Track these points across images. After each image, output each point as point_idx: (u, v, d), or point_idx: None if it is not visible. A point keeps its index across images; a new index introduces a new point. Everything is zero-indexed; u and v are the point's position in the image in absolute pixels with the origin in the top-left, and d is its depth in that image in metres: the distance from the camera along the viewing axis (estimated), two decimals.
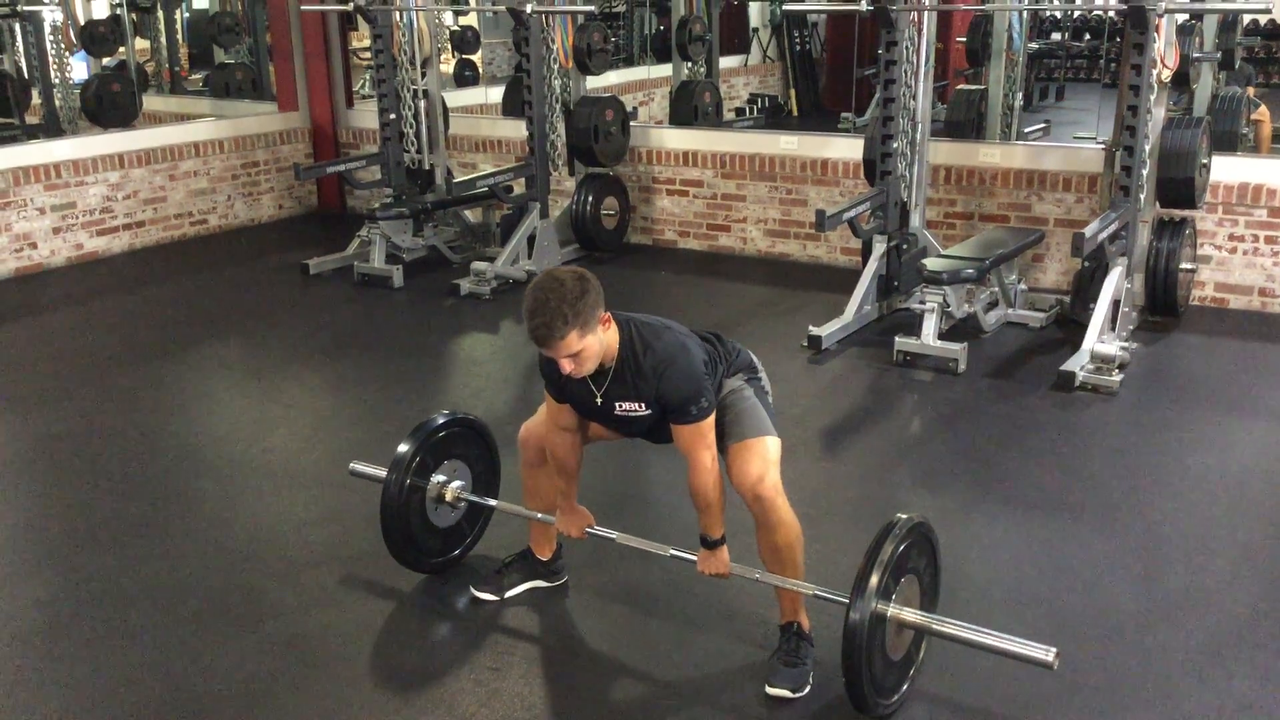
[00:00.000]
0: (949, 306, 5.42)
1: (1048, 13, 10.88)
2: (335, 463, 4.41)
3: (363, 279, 6.96)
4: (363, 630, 3.28)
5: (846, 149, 7.08)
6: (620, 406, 2.90)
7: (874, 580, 2.63)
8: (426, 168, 7.51)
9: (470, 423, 3.51)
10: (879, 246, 5.92)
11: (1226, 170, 5.94)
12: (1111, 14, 9.64)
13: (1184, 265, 5.67)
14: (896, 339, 5.37)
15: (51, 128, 8.34)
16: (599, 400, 2.91)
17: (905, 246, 5.96)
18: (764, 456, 2.90)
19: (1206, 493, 4.09)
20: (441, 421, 3.43)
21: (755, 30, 12.47)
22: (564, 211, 7.37)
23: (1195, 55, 5.99)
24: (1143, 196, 5.41)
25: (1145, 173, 5.39)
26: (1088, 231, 4.93)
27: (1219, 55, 7.58)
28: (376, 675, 3.09)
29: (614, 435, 3.12)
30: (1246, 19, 8.93)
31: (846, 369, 5.43)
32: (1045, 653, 2.59)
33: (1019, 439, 4.57)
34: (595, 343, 2.74)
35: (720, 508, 2.90)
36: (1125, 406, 4.85)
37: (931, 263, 5.36)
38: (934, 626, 2.76)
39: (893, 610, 2.68)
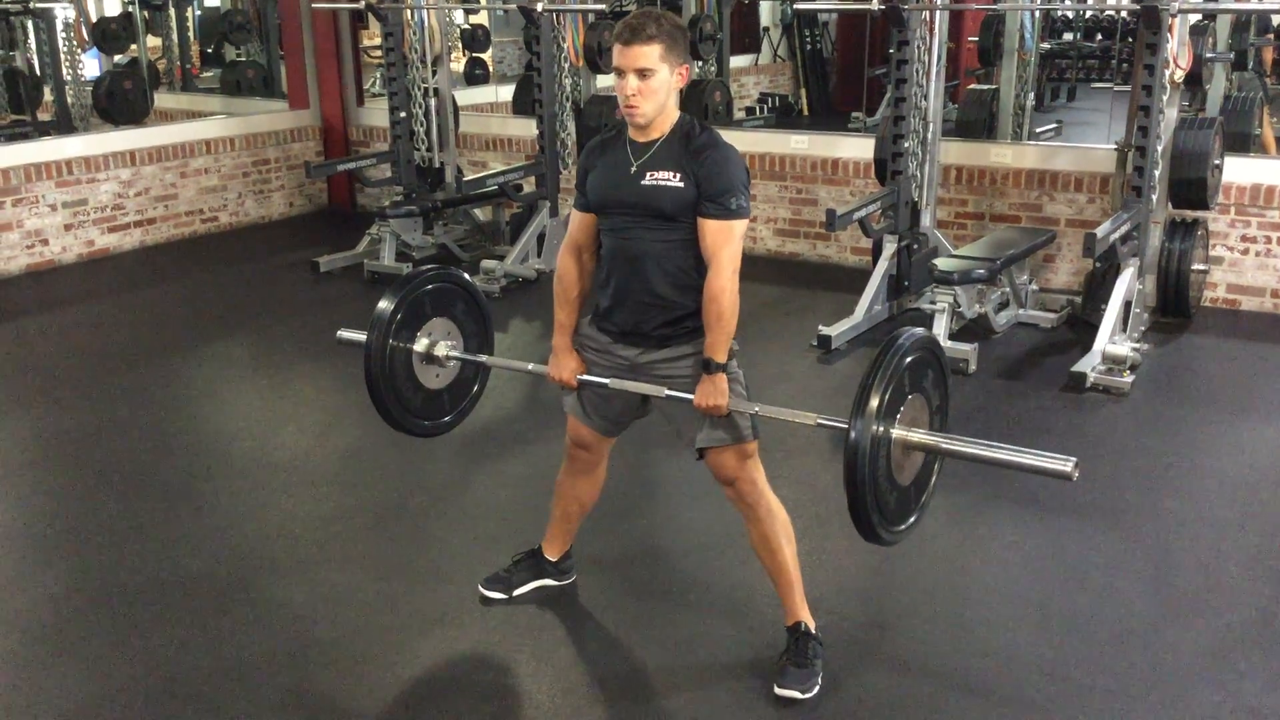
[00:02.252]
0: (960, 306, 5.41)
1: (1060, 12, 10.85)
2: (344, 460, 4.42)
3: (373, 277, 6.96)
4: (371, 627, 3.28)
5: (857, 148, 7.07)
6: (653, 175, 2.75)
7: (875, 399, 2.42)
8: (437, 166, 7.51)
9: (458, 278, 3.30)
10: (889, 246, 5.90)
11: (1239, 171, 5.91)
12: (1124, 14, 9.61)
13: (1196, 266, 5.66)
14: None
15: (63, 125, 8.36)
16: (633, 167, 2.78)
17: (916, 246, 5.94)
18: (740, 452, 2.86)
19: (1217, 494, 4.08)
20: (428, 275, 3.21)
21: (766, 29, 12.45)
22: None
23: (1208, 55, 5.95)
24: (1155, 197, 5.39)
25: (1158, 173, 5.37)
26: (1099, 232, 4.92)
27: (1232, 55, 7.54)
28: (383, 673, 3.09)
29: (631, 414, 3.05)
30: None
31: (856, 369, 5.42)
32: (1063, 464, 2.44)
33: (1029, 440, 4.54)
34: (666, 80, 2.70)
35: (731, 328, 2.76)
36: (1136, 408, 4.83)
37: (942, 263, 5.34)
38: (942, 445, 2.55)
39: (897, 431, 2.48)
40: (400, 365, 3.15)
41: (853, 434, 2.41)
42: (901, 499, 2.58)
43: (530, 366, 3.15)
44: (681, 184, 2.73)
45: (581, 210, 2.94)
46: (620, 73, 2.71)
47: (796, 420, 2.76)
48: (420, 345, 3.16)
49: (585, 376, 2.96)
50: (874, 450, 2.42)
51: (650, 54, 2.66)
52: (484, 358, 3.27)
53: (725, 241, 2.72)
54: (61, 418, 4.91)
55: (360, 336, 3.15)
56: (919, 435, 2.54)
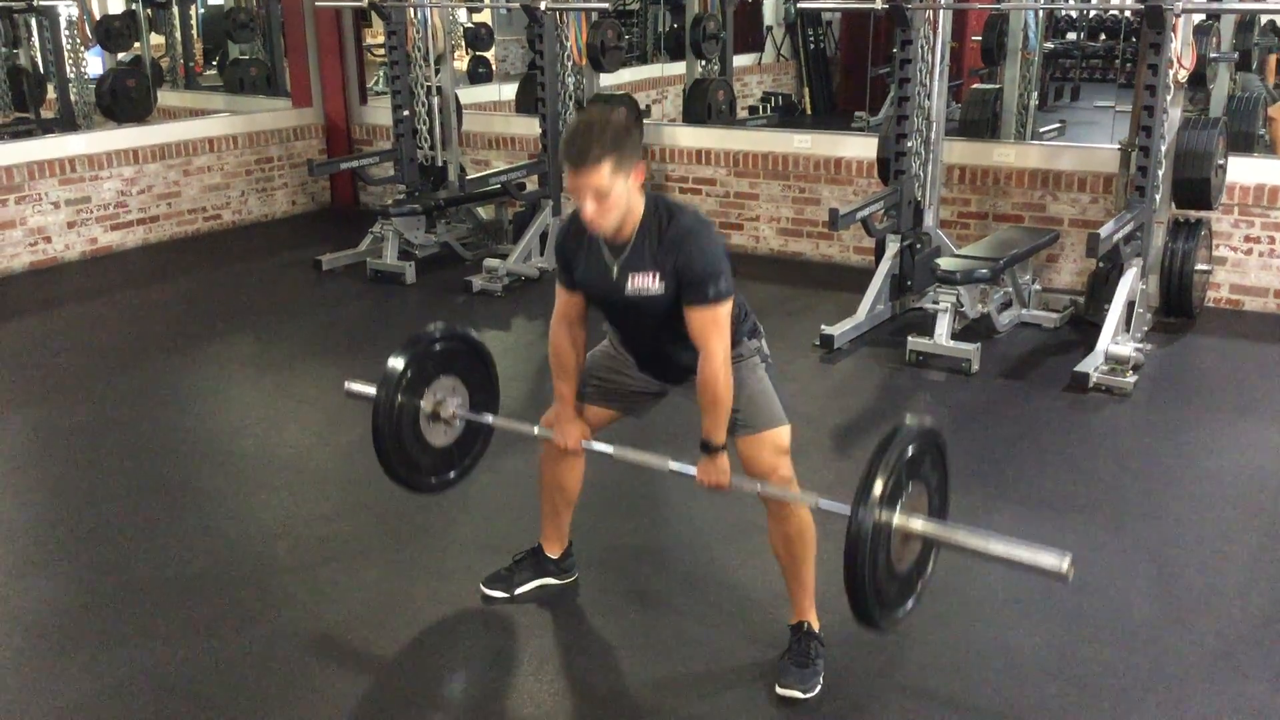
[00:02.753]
0: (962, 306, 5.40)
1: (1063, 12, 10.83)
2: (347, 458, 4.42)
3: (375, 275, 6.96)
4: (372, 626, 3.28)
5: (860, 148, 7.06)
6: (635, 280, 2.75)
7: (878, 486, 2.44)
8: (440, 164, 7.52)
9: (467, 339, 3.33)
10: (892, 246, 5.90)
11: (1243, 171, 5.90)
12: (1128, 14, 9.59)
13: (1199, 266, 5.65)
14: (909, 339, 5.35)
15: (66, 122, 8.38)
16: (614, 273, 2.78)
17: (919, 246, 5.94)
18: (776, 446, 2.87)
19: (1220, 495, 4.07)
20: (437, 335, 3.23)
21: (769, 28, 12.45)
22: (576, 209, 7.34)
23: (1212, 55, 5.95)
24: (1158, 197, 5.38)
25: (1161, 173, 5.36)
26: (1103, 232, 4.91)
27: (1236, 55, 7.54)
28: (386, 671, 3.10)
29: (618, 414, 3.08)
30: (1264, 19, 8.87)
31: (859, 368, 5.42)
32: (1059, 560, 2.38)
33: (1032, 440, 4.55)
34: (624, 190, 2.64)
35: (727, 409, 2.77)
36: (1139, 408, 4.83)
37: (945, 262, 5.34)
38: (942, 535, 2.56)
39: (898, 518, 2.49)
40: (408, 423, 3.17)
41: (854, 523, 2.43)
42: (900, 586, 2.61)
43: (536, 430, 3.17)
44: (662, 289, 2.74)
45: (568, 289, 2.93)
46: (575, 191, 2.67)
47: (800, 500, 2.84)
48: (427, 403, 3.19)
49: (589, 443, 3.04)
50: (874, 539, 2.44)
51: (600, 175, 2.59)
52: (489, 418, 3.29)
53: (711, 327, 2.72)
54: (63, 416, 4.92)
55: (369, 390, 3.17)
56: (919, 524, 2.55)
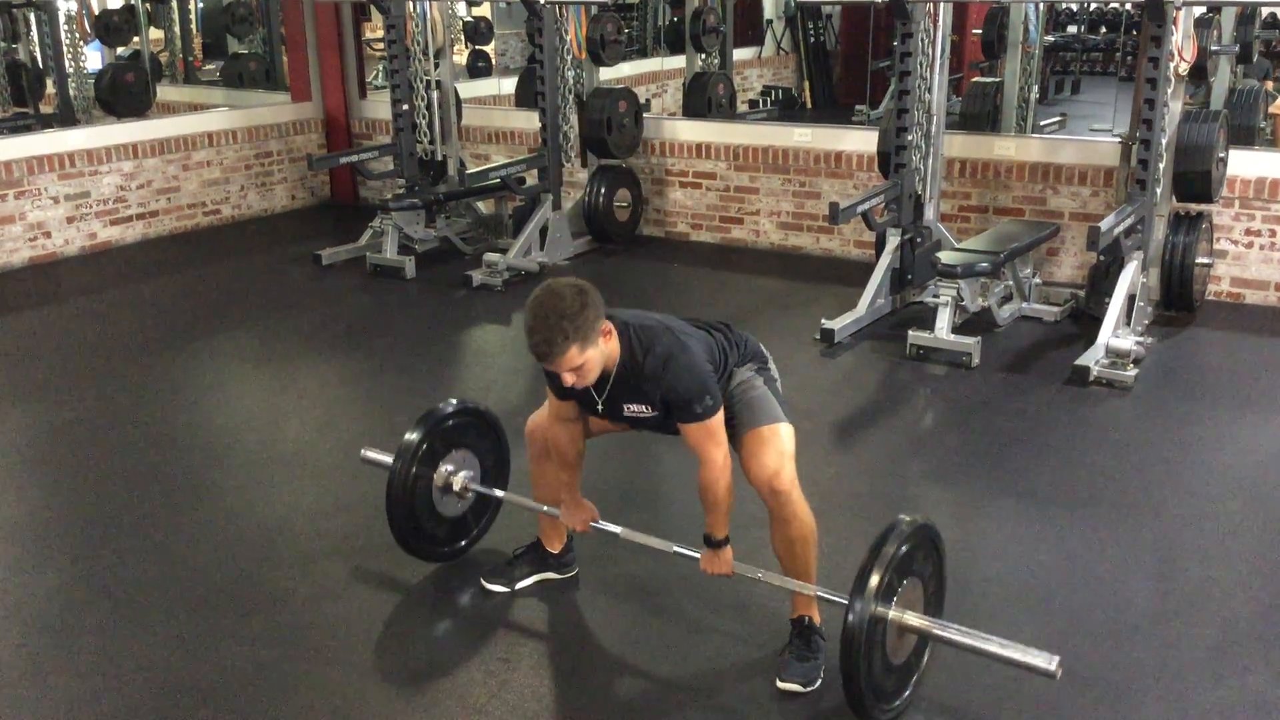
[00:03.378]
0: (963, 300, 5.39)
1: (1064, 5, 10.82)
2: (347, 453, 4.41)
3: (375, 270, 6.96)
4: (374, 621, 3.28)
5: (860, 142, 7.06)
6: (628, 408, 2.90)
7: (874, 582, 2.57)
8: (439, 159, 7.51)
9: (480, 413, 3.50)
10: (893, 240, 5.89)
11: (1244, 164, 5.90)
12: (1129, 7, 9.58)
13: (1200, 260, 5.64)
14: (910, 332, 5.35)
15: (66, 117, 8.35)
16: (601, 406, 2.92)
17: (919, 240, 5.93)
18: (779, 449, 2.88)
19: (1221, 488, 4.07)
20: (451, 410, 3.42)
21: (769, 22, 12.43)
22: (576, 203, 7.36)
23: (1213, 48, 5.93)
24: (1159, 190, 5.37)
25: (1162, 166, 5.35)
26: (1103, 225, 4.90)
27: (1237, 48, 7.51)
28: (387, 666, 3.10)
29: (622, 428, 3.12)
30: (1265, 12, 8.86)
31: (859, 362, 5.41)
32: (1048, 662, 2.53)
33: (1032, 434, 4.55)
34: (597, 355, 2.72)
35: (728, 508, 2.88)
36: (1140, 402, 4.82)
37: (946, 256, 5.33)
38: (936, 631, 2.69)
39: (893, 613, 2.62)
40: (421, 494, 3.35)
41: (851, 615, 2.55)
42: (896, 679, 2.74)
43: (545, 509, 3.30)
44: (655, 413, 2.88)
45: (560, 398, 2.98)
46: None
47: (801, 591, 2.93)
48: (440, 476, 3.37)
49: (598, 524, 3.18)
50: (870, 631, 2.56)
51: (570, 359, 2.67)
52: (499, 493, 3.47)
53: (705, 439, 2.81)
54: (64, 411, 4.91)
55: (385, 459, 3.37)
56: (914, 620, 2.68)
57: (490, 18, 11.01)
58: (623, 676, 3.05)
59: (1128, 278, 5.26)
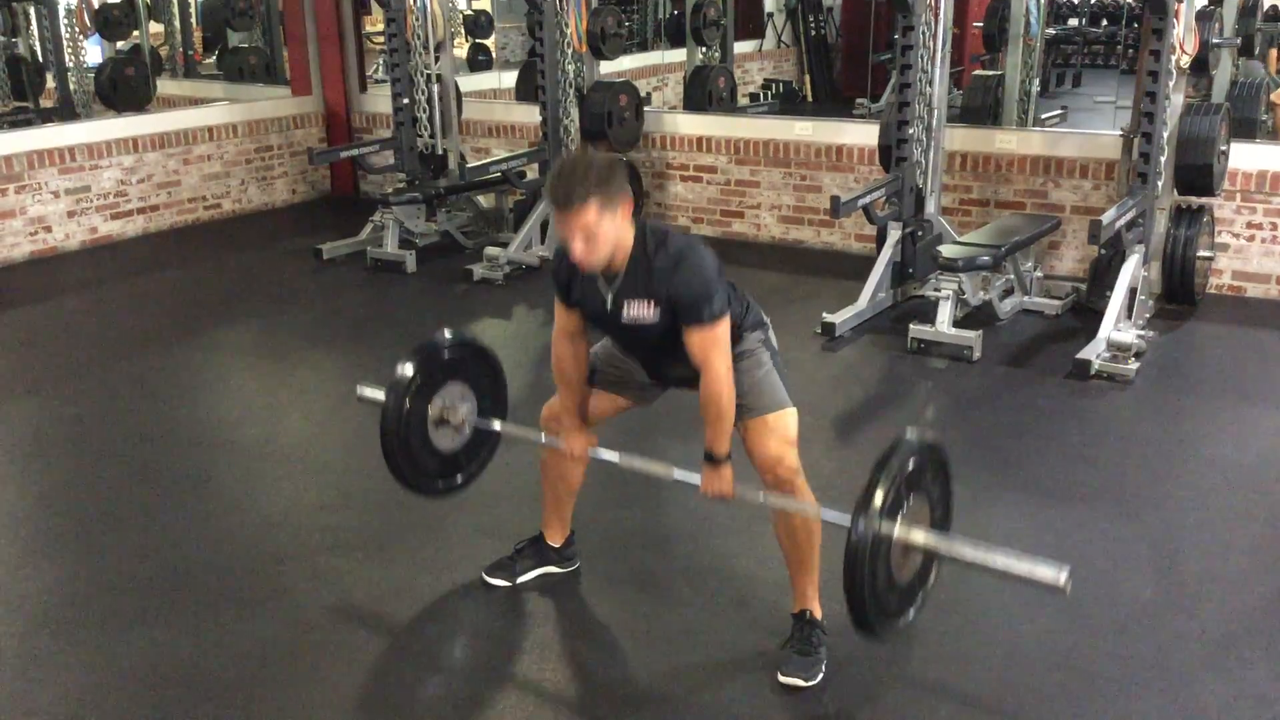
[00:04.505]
0: (964, 294, 5.39)
1: None
2: (348, 447, 4.42)
3: (376, 264, 6.95)
4: (374, 615, 3.28)
5: (861, 135, 7.04)
6: (630, 308, 2.79)
7: (879, 496, 2.46)
8: (440, 152, 7.49)
9: (477, 346, 3.37)
10: (894, 233, 5.88)
11: (1245, 157, 5.88)
12: (1130, 0, 9.56)
13: (1201, 253, 5.63)
14: (911, 326, 5.35)
15: (66, 111, 8.36)
16: (609, 303, 2.81)
17: (920, 233, 5.93)
18: (783, 436, 2.87)
19: (1222, 482, 4.07)
20: (447, 342, 3.28)
21: (770, 15, 12.41)
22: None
23: (1215, 41, 5.92)
24: (1160, 183, 5.36)
25: (1163, 160, 5.34)
26: (1105, 219, 4.90)
27: (1239, 41, 7.50)
28: (387, 660, 3.10)
29: (625, 404, 3.09)
30: (1266, 4, 8.84)
31: (860, 356, 5.41)
32: (1056, 575, 2.44)
33: (1033, 427, 4.55)
34: (612, 227, 2.65)
35: (730, 421, 2.80)
36: (1141, 395, 4.82)
37: (947, 249, 5.33)
38: (942, 547, 2.59)
39: (899, 530, 2.51)
40: (416, 428, 3.20)
41: (854, 534, 2.45)
42: (901, 597, 2.63)
43: (543, 439, 3.19)
44: (657, 316, 2.77)
45: (566, 307, 2.94)
46: (563, 231, 2.68)
47: (803, 511, 2.86)
48: (435, 409, 3.22)
49: (595, 451, 3.07)
50: (874, 550, 2.46)
51: (586, 216, 2.60)
52: (498, 425, 3.31)
53: (710, 346, 2.73)
54: (64, 405, 4.91)
55: (379, 394, 3.21)
56: (919, 537, 2.57)
57: (490, 11, 11.00)
58: (624, 670, 3.05)
59: (1129, 271, 5.26)
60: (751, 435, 2.89)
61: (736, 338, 2.87)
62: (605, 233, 2.64)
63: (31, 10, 8.67)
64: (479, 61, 10.86)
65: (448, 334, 3.30)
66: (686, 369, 2.82)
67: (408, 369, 3.16)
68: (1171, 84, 5.23)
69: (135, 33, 9.78)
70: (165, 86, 9.96)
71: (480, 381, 3.34)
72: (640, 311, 2.78)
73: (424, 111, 7.38)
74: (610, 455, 3.07)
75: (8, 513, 3.97)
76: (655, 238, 2.75)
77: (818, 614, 2.99)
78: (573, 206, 2.59)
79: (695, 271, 2.71)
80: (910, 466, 2.55)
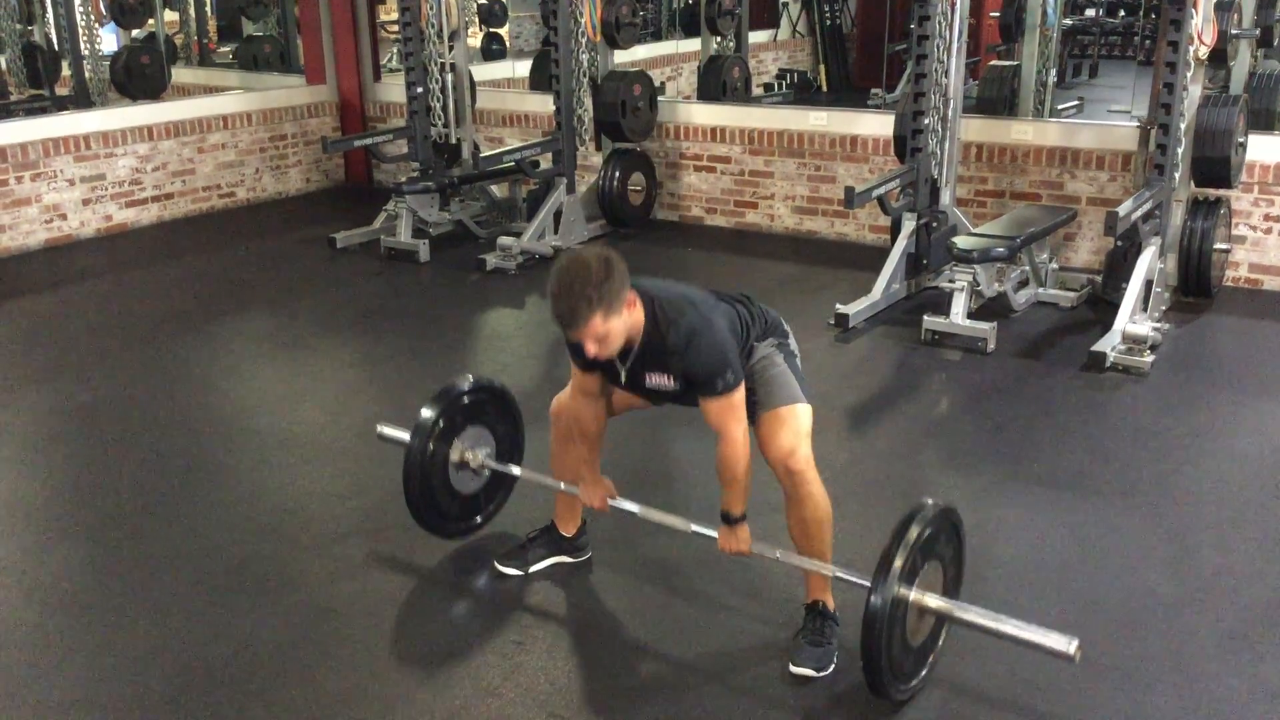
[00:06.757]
0: (979, 285, 5.37)
1: None
2: (362, 435, 4.43)
3: (389, 253, 6.96)
4: (388, 603, 3.29)
5: (876, 125, 7.02)
6: (650, 379, 2.87)
7: (898, 564, 2.59)
8: (453, 142, 7.49)
9: (496, 390, 3.49)
10: (908, 224, 5.87)
11: (1263, 149, 5.85)
12: None
13: (1218, 245, 5.60)
14: (925, 317, 5.33)
15: (81, 99, 8.37)
16: (624, 378, 2.89)
17: (935, 224, 5.91)
18: (795, 429, 2.88)
19: (1237, 475, 4.05)
20: (467, 387, 3.40)
21: (785, 5, 12.36)
22: (590, 187, 7.35)
23: (1234, 32, 5.87)
24: (1177, 175, 5.33)
25: (1180, 151, 5.31)
26: (1121, 210, 4.88)
27: (1258, 32, 7.44)
28: (401, 647, 3.11)
29: (643, 404, 3.11)
30: None
31: (874, 347, 5.40)
32: (1066, 644, 2.52)
33: (1048, 419, 4.53)
34: (620, 325, 2.69)
35: (746, 485, 2.87)
36: (1156, 388, 4.80)
37: (961, 241, 5.31)
38: (955, 613, 2.69)
39: (915, 595, 2.64)
40: (438, 470, 3.35)
41: (874, 598, 2.57)
42: (914, 659, 2.75)
43: (563, 486, 3.29)
44: (677, 386, 2.85)
45: (583, 370, 2.97)
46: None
47: (819, 571, 2.92)
48: (456, 453, 3.36)
49: (616, 501, 3.16)
50: (892, 613, 2.58)
51: (594, 328, 2.64)
52: (516, 469, 3.46)
53: (726, 414, 2.79)
54: (79, 392, 4.94)
55: (401, 435, 3.36)
56: (934, 602, 2.69)
57: (505, 0, 10.97)
58: (636, 659, 3.06)
59: (1145, 263, 5.23)
60: (764, 429, 2.89)
61: (748, 353, 2.93)
62: (615, 331, 2.70)
63: None
64: (493, 50, 10.85)
65: (469, 379, 3.44)
66: None
67: (432, 413, 3.30)
68: (1189, 75, 5.19)
69: (150, 21, 9.77)
70: (180, 75, 9.98)
71: (499, 425, 3.48)
72: (661, 381, 2.87)
73: (438, 100, 7.38)
74: (631, 506, 3.16)
75: (23, 500, 3.99)
76: (666, 316, 2.78)
77: (830, 605, 2.99)
78: (578, 326, 2.64)
79: (707, 350, 2.76)
80: (927, 534, 2.67)
